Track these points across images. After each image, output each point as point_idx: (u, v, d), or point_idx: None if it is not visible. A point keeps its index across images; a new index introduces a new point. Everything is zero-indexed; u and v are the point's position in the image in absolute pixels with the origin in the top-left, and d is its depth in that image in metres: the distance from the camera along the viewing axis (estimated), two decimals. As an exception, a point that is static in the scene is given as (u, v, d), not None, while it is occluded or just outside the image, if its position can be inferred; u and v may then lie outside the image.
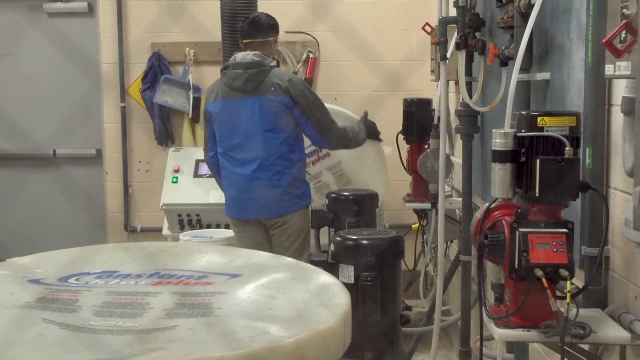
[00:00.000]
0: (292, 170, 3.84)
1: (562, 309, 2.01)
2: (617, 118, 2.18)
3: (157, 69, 5.49)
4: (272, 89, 3.77)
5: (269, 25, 3.98)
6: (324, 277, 1.70)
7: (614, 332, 2.08)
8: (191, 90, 5.39)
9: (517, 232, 2.06)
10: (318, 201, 4.18)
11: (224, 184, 4.00)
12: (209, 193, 4.65)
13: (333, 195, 3.78)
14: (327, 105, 3.96)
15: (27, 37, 5.66)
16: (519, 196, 2.19)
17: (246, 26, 3.97)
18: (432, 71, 4.47)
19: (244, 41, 3.96)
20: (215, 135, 3.98)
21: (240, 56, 3.88)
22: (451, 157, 4.13)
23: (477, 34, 3.29)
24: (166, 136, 5.59)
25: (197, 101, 5.42)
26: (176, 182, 4.88)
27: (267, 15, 4.04)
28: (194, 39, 5.48)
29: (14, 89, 5.72)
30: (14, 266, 1.80)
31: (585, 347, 2.22)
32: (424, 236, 4.46)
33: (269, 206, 3.83)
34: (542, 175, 2.04)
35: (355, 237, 2.95)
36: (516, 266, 2.06)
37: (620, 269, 2.20)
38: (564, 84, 2.53)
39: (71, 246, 1.98)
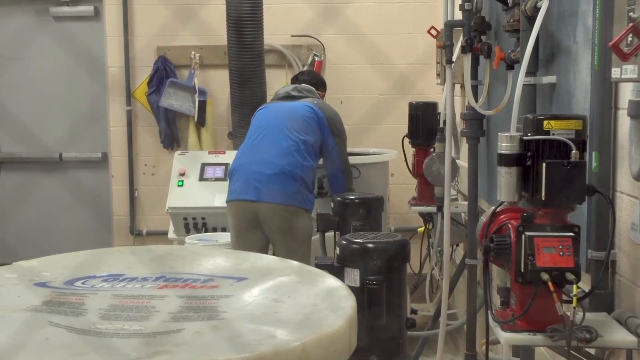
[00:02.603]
0: (303, 169, 3.92)
1: (568, 313, 2.00)
2: (624, 121, 2.18)
3: (163, 73, 5.51)
4: (315, 101, 4.11)
5: (321, 82, 4.50)
6: (330, 281, 1.70)
7: (620, 336, 2.07)
8: (197, 94, 5.40)
9: (523, 236, 2.06)
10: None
11: (234, 166, 4.07)
12: (215, 196, 4.66)
13: (339, 198, 3.77)
14: None
15: (34, 41, 5.68)
16: (525, 200, 2.18)
17: (303, 76, 4.48)
18: (438, 75, 4.47)
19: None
20: None
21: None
22: (457, 161, 4.13)
23: (483, 38, 3.29)
24: (172, 140, 5.60)
25: (202, 104, 5.44)
26: (182, 185, 4.88)
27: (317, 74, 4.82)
28: (199, 42, 5.49)
29: (20, 92, 5.73)
30: (20, 269, 1.80)
31: (592, 351, 2.22)
32: (430, 240, 4.46)
33: (279, 192, 3.89)
34: (549, 179, 2.03)
35: (361, 241, 2.95)
36: (522, 270, 2.05)
37: (626, 272, 2.20)
38: (570, 87, 2.53)
39: (77, 249, 1.98)
